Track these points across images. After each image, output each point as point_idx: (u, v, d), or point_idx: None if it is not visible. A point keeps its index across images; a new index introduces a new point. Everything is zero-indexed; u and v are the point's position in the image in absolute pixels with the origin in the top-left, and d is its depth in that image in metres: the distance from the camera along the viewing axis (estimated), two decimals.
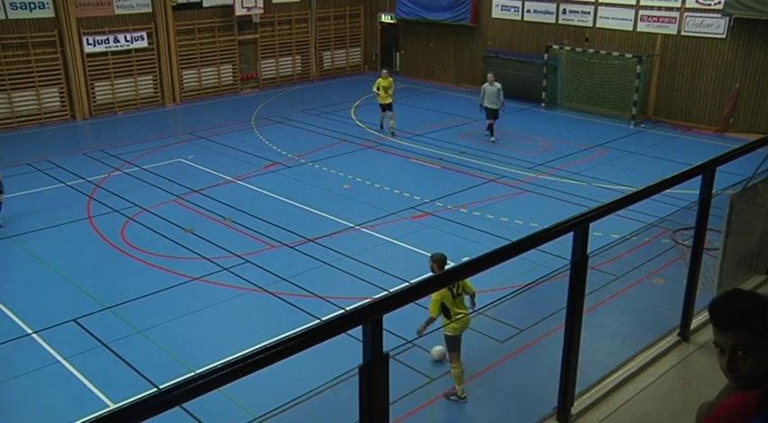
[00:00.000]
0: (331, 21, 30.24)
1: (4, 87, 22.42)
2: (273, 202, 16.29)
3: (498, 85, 20.29)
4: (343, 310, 11.14)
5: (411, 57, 30.33)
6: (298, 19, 29.17)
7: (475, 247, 13.53)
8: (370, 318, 2.31)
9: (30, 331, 10.86)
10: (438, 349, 9.64)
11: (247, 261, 13.19)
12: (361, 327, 2.44)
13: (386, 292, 11.68)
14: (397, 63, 31.05)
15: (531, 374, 9.35)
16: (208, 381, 2.12)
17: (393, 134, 21.23)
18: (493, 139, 20.65)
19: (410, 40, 30.14)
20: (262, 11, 27.27)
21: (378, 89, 21.08)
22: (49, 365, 10.02)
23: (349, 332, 2.42)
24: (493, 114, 20.51)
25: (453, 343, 8.87)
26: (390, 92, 21.11)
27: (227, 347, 10.19)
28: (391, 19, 30.36)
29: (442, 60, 29.14)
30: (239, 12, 26.66)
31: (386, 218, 15.23)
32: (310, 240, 14.08)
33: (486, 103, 20.38)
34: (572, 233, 3.57)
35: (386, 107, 21.24)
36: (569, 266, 3.75)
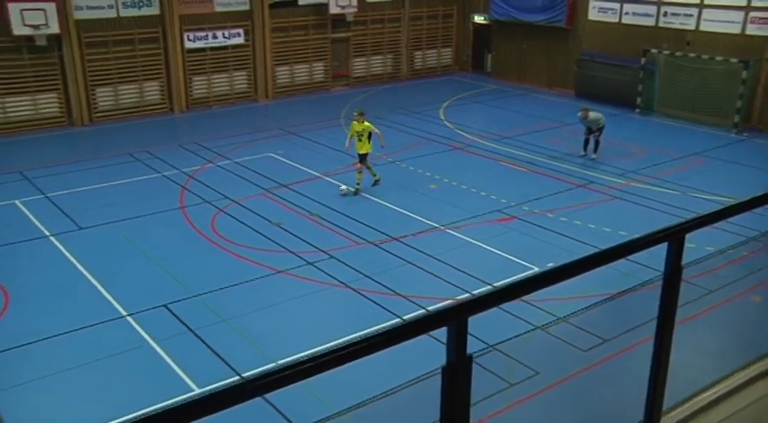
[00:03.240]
0: (424, 20, 30.26)
1: (111, 81, 23.50)
2: (360, 199, 16.44)
3: (593, 114, 18.99)
4: (424, 310, 11.18)
5: (502, 58, 30.00)
6: (390, 18, 29.33)
7: (560, 253, 13.27)
8: (455, 319, 2.30)
9: (124, 314, 11.35)
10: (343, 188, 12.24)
11: (332, 257, 13.37)
12: (444, 327, 2.42)
13: (467, 294, 11.64)
14: (488, 64, 30.79)
15: (614, 386, 9.09)
16: (293, 372, 2.15)
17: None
18: (594, 156, 19.19)
19: (502, 41, 29.81)
20: (356, 9, 27.55)
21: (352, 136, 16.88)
22: (139, 347, 10.44)
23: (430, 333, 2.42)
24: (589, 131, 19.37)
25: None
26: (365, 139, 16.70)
27: (308, 340, 10.37)
28: (484, 20, 30.12)
29: (535, 63, 28.68)
30: (333, 10, 27.04)
31: (470, 220, 15.13)
32: (394, 239, 14.14)
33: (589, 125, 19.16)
34: (665, 244, 3.44)
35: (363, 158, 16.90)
36: (661, 277, 3.62)
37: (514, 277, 12.01)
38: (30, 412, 9.00)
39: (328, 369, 2.28)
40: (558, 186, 17.20)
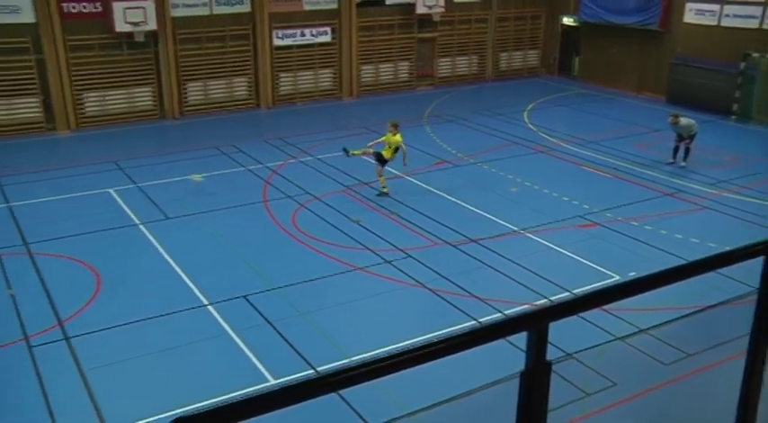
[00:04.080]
0: (511, 22, 29.92)
1: (201, 76, 24.25)
2: (439, 199, 16.41)
3: (685, 120, 18.28)
4: (500, 314, 11.06)
5: (590, 61, 29.33)
6: (477, 19, 29.13)
7: (643, 262, 12.88)
8: (536, 324, 2.25)
9: (206, 302, 11.68)
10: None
11: (409, 256, 13.39)
12: (524, 332, 2.38)
13: (545, 300, 11.45)
14: (575, 67, 30.17)
15: (698, 404, 8.76)
16: (369, 370, 2.16)
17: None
18: (684, 164, 18.52)
19: (591, 44, 29.15)
20: (443, 9, 27.50)
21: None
22: (219, 336, 10.73)
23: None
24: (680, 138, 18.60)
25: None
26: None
27: (383, 338, 10.43)
28: (573, 22, 29.53)
29: (624, 66, 27.90)
30: (420, 10, 27.06)
31: (551, 224, 14.87)
32: (473, 240, 14.04)
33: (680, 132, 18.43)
34: (761, 258, 3.28)
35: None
36: (755, 292, 3.45)
37: (595, 285, 11.78)
38: (118, 391, 9.38)
39: (405, 368, 2.28)
40: (643, 194, 16.70)
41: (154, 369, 9.92)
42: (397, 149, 16.30)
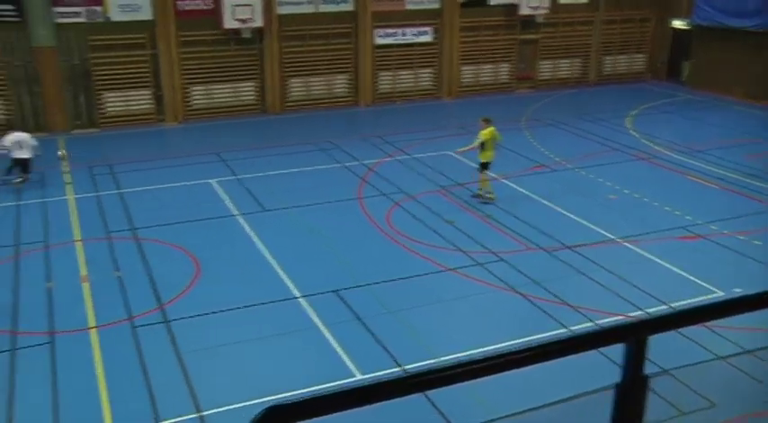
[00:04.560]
0: (618, 24, 29.05)
1: (303, 73, 24.77)
2: (535, 203, 16.13)
3: None
4: (592, 323, 10.78)
5: (701, 66, 28.09)
6: (582, 21, 28.45)
7: (750, 279, 12.27)
8: (634, 336, 2.18)
9: (297, 295, 11.93)
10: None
11: (502, 259, 13.24)
12: (621, 344, 2.31)
13: (641, 312, 11.07)
14: (685, 72, 28.98)
15: None
16: (458, 372, 2.14)
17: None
18: None
19: (703, 47, 27.91)
20: (547, 11, 27.02)
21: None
22: (309, 329, 10.93)
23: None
24: None
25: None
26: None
27: (472, 340, 10.37)
28: (685, 25, 28.38)
29: (739, 72, 26.58)
30: (524, 11, 26.68)
31: (651, 235, 14.36)
32: (568, 247, 13.74)
33: None
34: None
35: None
36: None
37: (695, 300, 11.30)
38: (211, 374, 9.72)
39: (497, 373, 2.25)
40: (753, 207, 15.88)
41: (245, 356, 10.21)
42: (486, 145, 15.77)
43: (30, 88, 21.53)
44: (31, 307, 11.53)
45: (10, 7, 20.84)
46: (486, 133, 15.87)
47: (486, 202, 16.03)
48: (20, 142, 16.65)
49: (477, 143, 15.96)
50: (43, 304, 11.61)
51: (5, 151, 16.66)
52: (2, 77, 21.23)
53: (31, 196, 16.40)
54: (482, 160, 16.04)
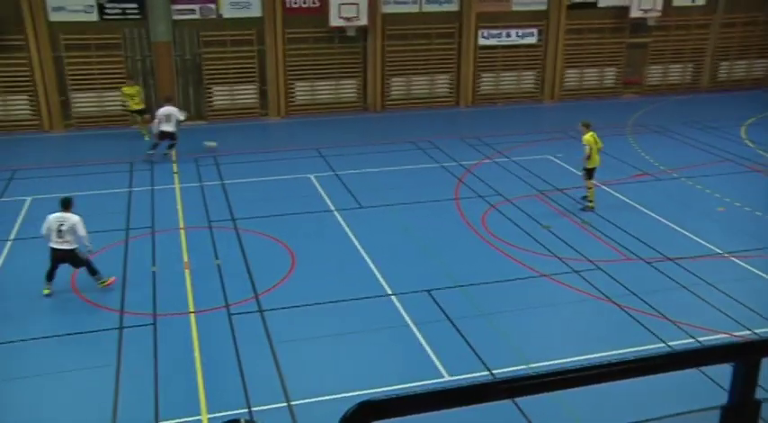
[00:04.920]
0: (737, 28, 27.63)
1: (405, 72, 24.87)
2: (636, 212, 15.59)
3: None
4: (693, 340, 10.32)
5: None
6: (697, 24, 27.23)
7: None
8: (746, 357, 2.06)
9: (389, 292, 11.99)
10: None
11: (599, 268, 12.87)
12: (730, 364, 2.19)
13: (749, 332, 10.51)
14: None
15: None
16: (551, 381, 2.09)
17: None
18: None
19: None
20: (659, 14, 26.02)
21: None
22: (399, 327, 10.96)
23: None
24: None
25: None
26: None
27: (565, 348, 10.14)
28: None
29: None
30: (635, 14, 25.80)
31: (762, 251, 13.60)
32: (670, 259, 13.21)
33: None
34: None
35: None
36: None
37: None
38: (301, 366, 9.91)
39: (592, 383, 2.18)
40: None
41: (336, 350, 10.35)
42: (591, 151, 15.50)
43: (146, 81, 22.58)
44: (137, 289, 12.10)
45: (134, 5, 21.95)
46: (588, 138, 15.59)
47: (584, 210, 15.62)
48: (168, 115, 18.70)
49: (587, 151, 15.49)
50: (148, 287, 12.15)
51: (157, 122, 18.80)
52: (122, 71, 22.35)
53: (141, 184, 17.21)
54: (587, 166, 15.67)
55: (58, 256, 11.55)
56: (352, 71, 24.54)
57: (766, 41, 28.21)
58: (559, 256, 13.38)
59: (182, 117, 19.06)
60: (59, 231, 11.38)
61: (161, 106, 19.23)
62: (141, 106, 21.48)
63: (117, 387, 9.46)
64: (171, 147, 19.13)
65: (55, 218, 11.51)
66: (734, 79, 28.43)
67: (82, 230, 11.43)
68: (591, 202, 15.71)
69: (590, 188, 15.77)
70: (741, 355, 2.07)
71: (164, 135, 18.84)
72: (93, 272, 11.78)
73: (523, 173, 18.12)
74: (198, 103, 23.38)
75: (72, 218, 11.46)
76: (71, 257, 11.59)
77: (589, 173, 15.73)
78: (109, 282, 11.94)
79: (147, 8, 21.97)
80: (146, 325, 10.98)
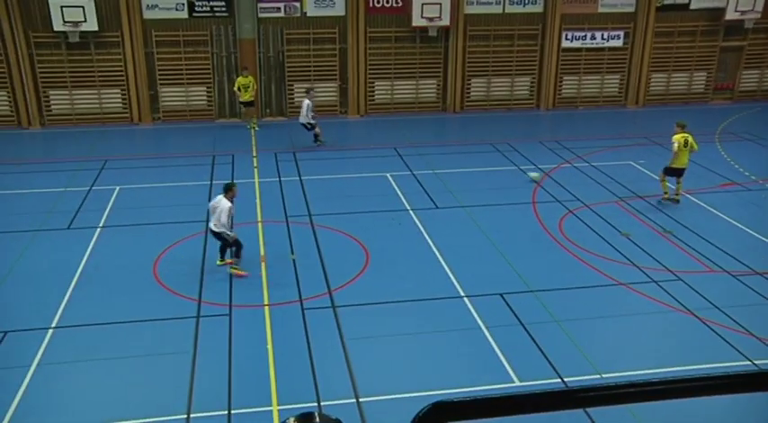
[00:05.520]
0: None
1: (486, 73, 24.67)
2: (722, 223, 15.02)
3: None
4: None
5: None
6: None
7: None
8: None
9: (462, 294, 11.93)
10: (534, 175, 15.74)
11: (680, 279, 12.45)
12: None
13: None
14: None
15: None
16: (630, 393, 2.03)
17: None
18: None
19: None
20: (758, 15, 24.89)
21: None
22: (471, 329, 10.89)
23: None
24: None
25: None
26: None
27: (639, 360, 9.87)
28: None
29: None
30: (730, 15, 24.79)
31: None
32: (758, 273, 12.67)
33: None
34: None
35: None
36: None
37: None
38: (371, 363, 9.97)
39: (673, 398, 2.12)
40: None
41: (406, 349, 10.37)
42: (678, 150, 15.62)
43: (230, 77, 23.16)
44: (214, 280, 12.43)
45: (221, 3, 22.57)
46: (677, 138, 15.61)
47: (670, 200, 15.87)
48: (306, 107, 19.76)
49: (675, 148, 15.64)
50: (225, 279, 12.47)
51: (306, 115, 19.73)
52: (208, 67, 23.01)
53: (222, 177, 17.66)
54: (671, 165, 15.84)
55: (212, 235, 12.48)
56: (433, 71, 24.51)
57: None
58: (638, 264, 13.01)
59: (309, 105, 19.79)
60: (212, 213, 12.25)
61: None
62: (251, 98, 22.19)
63: (192, 374, 9.75)
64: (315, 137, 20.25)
65: (214, 201, 12.41)
66: None
67: (223, 217, 12.11)
68: (666, 194, 15.91)
69: (663, 181, 16.04)
70: None
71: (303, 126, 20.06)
72: (237, 254, 12.53)
73: (603, 178, 17.71)
74: (280, 99, 23.82)
75: (221, 203, 12.19)
76: (219, 238, 12.41)
77: (670, 172, 15.82)
78: (240, 273, 12.45)
79: (235, 6, 22.54)
80: (222, 315, 11.27)
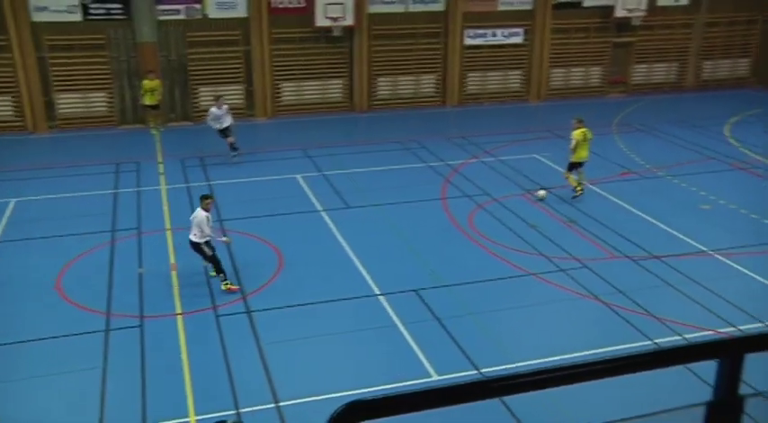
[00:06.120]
0: (721, 27, 27.86)
1: (391, 71, 24.88)
2: (622, 211, 15.69)
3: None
4: (679, 337, 10.39)
5: None
6: (682, 23, 27.43)
7: None
8: (730, 353, 2.08)
9: (377, 293, 11.99)
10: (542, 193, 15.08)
11: (585, 266, 12.94)
12: (715, 361, 2.21)
13: (733, 329, 10.61)
14: None
15: None
16: (539, 379, 2.10)
17: None
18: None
19: None
20: (644, 13, 26.18)
21: None
22: (387, 327, 10.96)
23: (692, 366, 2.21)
24: None
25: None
26: None
27: (551, 347, 10.18)
28: None
29: None
30: (619, 13, 25.94)
31: (747, 248, 13.73)
32: (655, 257, 13.30)
33: None
34: None
35: None
36: None
37: None
38: (289, 367, 9.89)
39: (580, 381, 2.19)
40: None
41: (324, 351, 10.34)
42: (578, 145, 16.02)
43: (130, 82, 22.46)
44: (124, 291, 12.04)
45: (118, 6, 21.83)
46: (577, 134, 16.05)
47: (575, 197, 16.16)
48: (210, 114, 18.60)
49: (573, 145, 16.07)
50: (135, 289, 12.09)
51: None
52: (108, 72, 22.22)
53: (127, 185, 17.11)
54: (572, 160, 16.19)
55: (190, 246, 11.96)
56: (339, 71, 24.52)
57: (748, 41, 28.48)
58: (546, 254, 13.44)
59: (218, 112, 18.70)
60: (192, 225, 11.83)
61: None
62: (156, 102, 21.50)
63: (103, 390, 9.41)
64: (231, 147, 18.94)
65: (194, 213, 11.96)
66: (718, 78, 28.67)
67: (206, 228, 11.71)
68: (577, 187, 16.20)
69: (570, 177, 16.38)
70: (724, 351, 2.08)
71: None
72: (217, 270, 11.98)
73: (510, 172, 18.18)
74: (184, 104, 23.28)
75: (198, 214, 11.79)
76: (197, 249, 11.90)
77: (573, 166, 16.22)
78: (232, 287, 11.97)
79: (132, 8, 21.85)
80: (133, 327, 10.92)
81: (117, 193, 16.64)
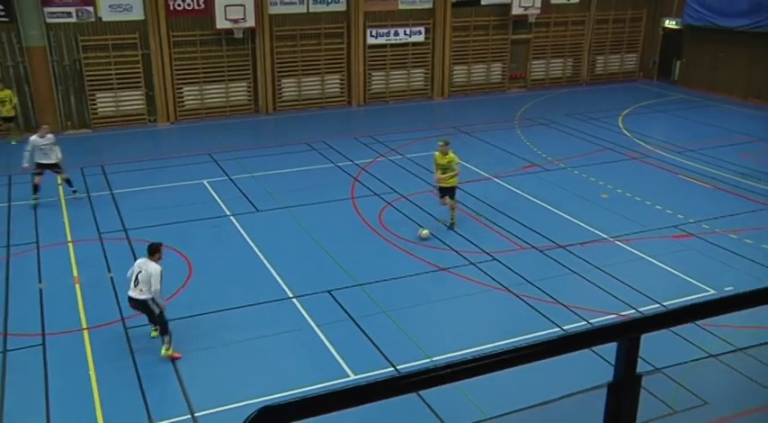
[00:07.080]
0: (609, 24, 29.14)
1: (296, 73, 24.73)
2: (527, 203, 16.16)
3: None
4: (586, 323, 10.80)
5: (693, 66, 28.24)
6: (574, 21, 28.52)
7: (742, 277, 12.34)
8: (627, 335, 2.19)
9: (290, 295, 11.90)
10: (425, 232, 13.74)
11: (495, 259, 13.25)
12: (614, 343, 2.31)
13: (633, 311, 11.10)
14: (676, 72, 29.12)
15: None
16: (451, 372, 2.14)
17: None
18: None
19: (695, 47, 28.06)
20: (539, 11, 27.06)
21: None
22: (301, 329, 10.90)
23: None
24: None
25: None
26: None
27: (464, 340, 10.37)
28: (676, 24, 28.49)
29: (731, 71, 26.72)
30: (516, 11, 26.72)
31: (643, 233, 14.40)
32: (560, 246, 13.77)
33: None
34: None
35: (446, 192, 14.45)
36: None
37: (687, 298, 11.36)
38: (203, 376, 9.68)
39: (490, 372, 2.25)
40: (745, 205, 15.95)
41: (238, 357, 10.18)
42: (446, 171, 14.17)
43: (21, 89, 21.43)
44: (22, 308, 11.47)
45: None
46: (441, 159, 14.27)
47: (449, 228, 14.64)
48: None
49: (456, 168, 14.30)
50: (35, 305, 11.55)
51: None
52: None
53: (21, 197, 16.31)
54: (444, 185, 14.39)
55: (132, 306, 10.24)
56: (242, 73, 24.17)
57: (634, 37, 29.90)
58: (456, 249, 13.68)
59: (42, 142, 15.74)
60: (136, 278, 10.04)
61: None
62: (12, 114, 20.42)
63: (1, 416, 8.94)
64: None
65: (138, 263, 10.20)
66: (610, 72, 29.97)
67: (156, 283, 9.94)
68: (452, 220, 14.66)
69: (453, 209, 14.67)
70: (622, 333, 2.19)
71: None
72: (164, 331, 10.17)
73: (417, 169, 18.40)
74: (81, 111, 22.40)
75: (149, 266, 10.00)
76: (144, 308, 10.17)
77: (444, 192, 14.45)
78: (174, 355, 10.18)
79: (16, 10, 20.81)
80: (34, 346, 10.43)
81: (11, 206, 15.84)
